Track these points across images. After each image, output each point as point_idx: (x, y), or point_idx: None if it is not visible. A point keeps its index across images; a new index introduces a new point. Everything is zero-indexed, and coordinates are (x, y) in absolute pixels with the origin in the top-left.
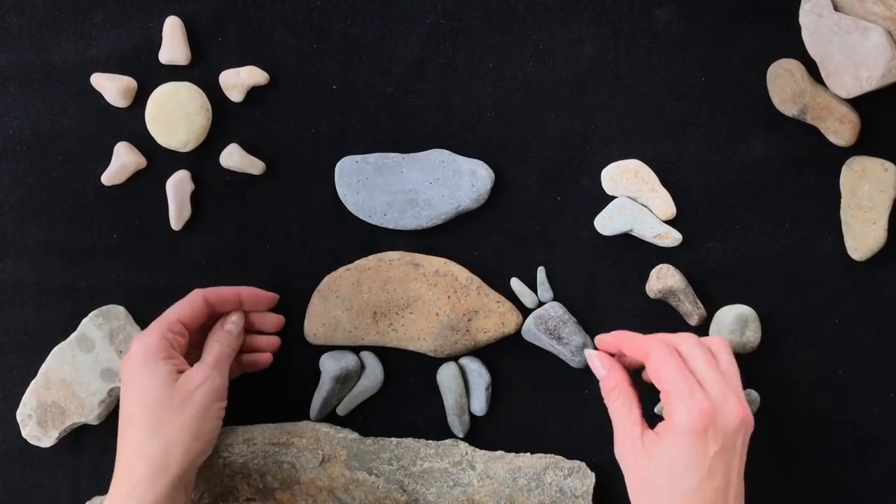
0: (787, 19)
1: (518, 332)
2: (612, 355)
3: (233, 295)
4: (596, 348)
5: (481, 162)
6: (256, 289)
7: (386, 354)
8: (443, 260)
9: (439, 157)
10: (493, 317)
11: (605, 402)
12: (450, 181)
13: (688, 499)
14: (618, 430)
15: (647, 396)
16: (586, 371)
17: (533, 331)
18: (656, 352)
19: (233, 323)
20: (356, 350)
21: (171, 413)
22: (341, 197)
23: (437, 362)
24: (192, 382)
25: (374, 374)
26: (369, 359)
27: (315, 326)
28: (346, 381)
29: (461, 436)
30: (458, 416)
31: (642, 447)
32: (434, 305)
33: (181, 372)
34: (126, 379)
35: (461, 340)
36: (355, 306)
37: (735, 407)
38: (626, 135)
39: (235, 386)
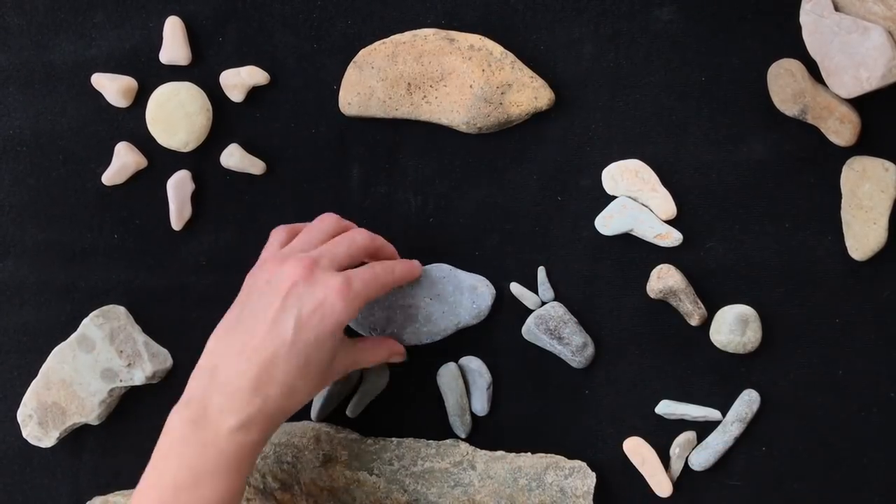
0: (787, 19)
1: (549, 110)
2: None
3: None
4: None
5: (483, 278)
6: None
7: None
8: (477, 36)
9: (440, 273)
10: (526, 91)
11: None
12: (450, 297)
13: None
14: None
15: (649, 397)
16: (586, 371)
17: (533, 331)
18: None
19: (397, 355)
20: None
21: (311, 385)
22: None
23: (439, 362)
24: (338, 366)
25: (378, 373)
26: None
27: (350, 96)
28: (346, 380)
29: (463, 436)
30: (459, 417)
31: None
32: (468, 78)
33: None
34: (305, 324)
35: (494, 113)
36: (390, 77)
37: None
38: (626, 135)
39: None
